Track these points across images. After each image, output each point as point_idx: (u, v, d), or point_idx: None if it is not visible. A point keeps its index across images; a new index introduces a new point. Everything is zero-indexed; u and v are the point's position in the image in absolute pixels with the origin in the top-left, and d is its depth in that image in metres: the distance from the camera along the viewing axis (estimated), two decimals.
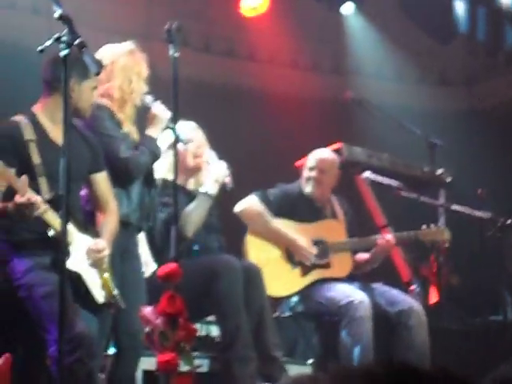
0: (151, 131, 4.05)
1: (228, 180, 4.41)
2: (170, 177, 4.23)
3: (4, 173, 3.37)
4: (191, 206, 4.42)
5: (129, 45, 4.10)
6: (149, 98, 4.02)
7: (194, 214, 4.40)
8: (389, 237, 5.08)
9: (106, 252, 3.66)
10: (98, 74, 3.19)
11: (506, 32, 8.24)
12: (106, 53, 4.02)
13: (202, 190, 4.44)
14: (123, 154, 3.90)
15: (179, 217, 4.12)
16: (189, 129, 4.46)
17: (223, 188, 4.43)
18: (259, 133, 7.01)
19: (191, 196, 4.50)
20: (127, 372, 3.93)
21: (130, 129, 4.04)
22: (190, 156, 4.52)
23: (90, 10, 6.66)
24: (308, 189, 5.06)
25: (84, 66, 3.13)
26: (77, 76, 3.62)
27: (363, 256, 5.11)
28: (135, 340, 3.87)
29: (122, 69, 4.01)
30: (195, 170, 4.55)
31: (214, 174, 4.42)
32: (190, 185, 4.60)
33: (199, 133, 4.57)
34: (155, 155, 4.03)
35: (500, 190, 6.50)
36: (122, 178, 3.90)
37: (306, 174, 5.12)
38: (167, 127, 4.05)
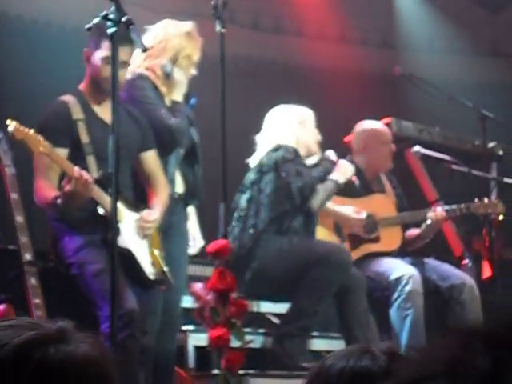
0: (177, 96, 4.05)
1: (354, 178, 4.85)
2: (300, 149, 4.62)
3: (51, 154, 3.40)
4: (323, 186, 4.62)
5: (187, 26, 4.09)
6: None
7: (322, 193, 4.60)
8: (439, 210, 5.01)
9: (156, 223, 3.69)
10: (144, 50, 3.20)
11: None
12: (163, 29, 4.04)
13: (332, 177, 4.64)
14: (168, 120, 3.91)
15: (312, 188, 4.51)
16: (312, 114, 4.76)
17: (348, 183, 4.76)
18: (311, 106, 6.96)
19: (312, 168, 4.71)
20: (165, 347, 3.95)
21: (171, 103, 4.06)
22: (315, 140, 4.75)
23: None
24: (358, 163, 5.02)
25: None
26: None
27: (414, 231, 5.05)
28: (172, 316, 3.90)
29: (172, 49, 4.02)
30: (312, 154, 4.76)
31: (344, 168, 4.69)
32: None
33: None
34: (190, 120, 4.05)
35: None
36: (167, 145, 3.91)
37: (355, 147, 5.07)
38: None
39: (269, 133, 4.68)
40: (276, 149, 4.57)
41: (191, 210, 4.26)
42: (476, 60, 8.38)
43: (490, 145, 5.88)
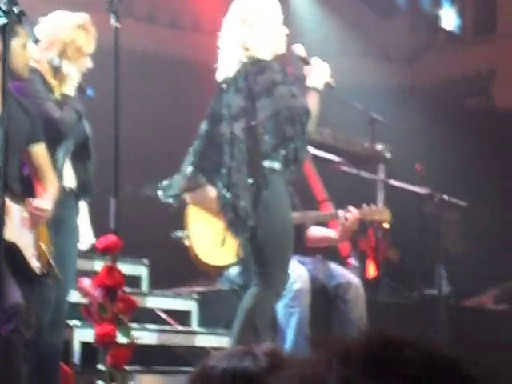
0: (67, 90, 4.02)
1: (331, 80, 4.26)
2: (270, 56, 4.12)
3: None
4: (309, 103, 4.13)
5: (79, 18, 4.05)
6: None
7: (315, 110, 4.15)
8: (354, 211, 4.93)
9: (47, 214, 3.64)
10: (36, 42, 3.15)
11: (445, 11, 8.33)
12: (53, 21, 3.98)
13: (310, 85, 4.18)
14: (54, 114, 3.88)
15: (308, 111, 4.03)
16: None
17: (327, 88, 4.25)
18: (201, 103, 6.98)
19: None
20: (51, 342, 3.90)
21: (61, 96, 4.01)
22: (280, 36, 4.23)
23: None
24: None
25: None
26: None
27: (321, 231, 5.09)
28: (59, 311, 3.87)
29: (60, 41, 3.97)
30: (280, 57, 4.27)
31: (319, 72, 4.22)
32: None
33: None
34: (79, 113, 4.02)
35: (437, 166, 6.60)
36: (53, 138, 3.87)
37: None
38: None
39: (237, 37, 4.12)
40: (260, 69, 4.06)
41: (82, 205, 4.22)
42: (366, 62, 8.57)
43: (379, 147, 6.03)
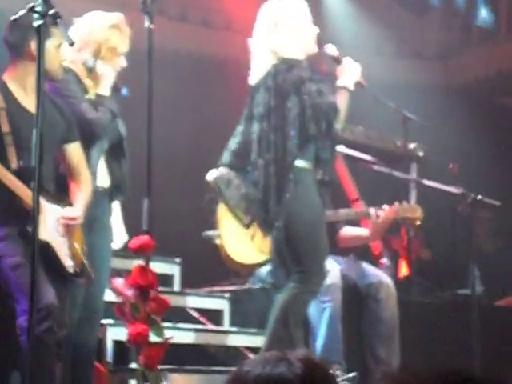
0: (102, 90, 4.04)
1: (362, 79, 4.28)
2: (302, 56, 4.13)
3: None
4: (338, 101, 4.15)
5: (113, 18, 4.07)
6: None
7: (343, 109, 4.17)
8: (388, 209, 4.90)
9: (79, 221, 3.66)
10: (71, 45, 3.18)
11: (479, 7, 8.26)
12: (87, 22, 4.01)
13: (340, 84, 4.19)
14: (88, 114, 3.90)
15: (337, 109, 4.04)
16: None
17: (358, 87, 4.27)
18: (233, 101, 7.00)
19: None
20: (85, 341, 3.93)
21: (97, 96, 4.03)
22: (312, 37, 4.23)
23: None
24: None
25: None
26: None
27: (355, 230, 5.09)
28: (94, 310, 3.89)
29: (95, 42, 4.00)
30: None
31: (351, 71, 4.22)
32: None
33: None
34: (114, 114, 4.03)
35: (471, 166, 6.56)
36: (87, 139, 3.90)
37: None
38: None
39: (266, 42, 4.15)
40: (289, 68, 4.08)
41: (116, 205, 4.24)
42: (399, 61, 8.52)
43: (411, 146, 6.00)
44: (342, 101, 4.14)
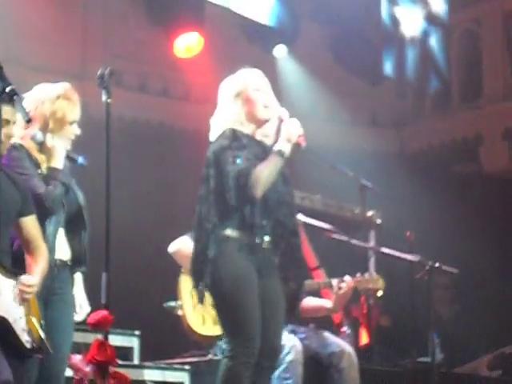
0: (55, 163, 4.02)
1: (301, 139, 3.99)
2: (238, 127, 4.01)
3: None
4: (262, 165, 3.94)
5: (58, 89, 4.07)
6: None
7: (266, 173, 3.92)
8: (349, 279, 4.95)
9: (35, 288, 3.61)
10: (28, 121, 3.18)
11: (431, 77, 8.45)
12: (32, 96, 4.00)
13: (274, 148, 3.98)
14: (38, 190, 3.89)
15: (248, 173, 3.87)
16: (256, 76, 4.13)
17: (296, 148, 4.00)
18: (193, 171, 7.04)
19: (262, 146, 4.07)
20: None
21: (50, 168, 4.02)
22: (260, 105, 4.07)
23: (23, 48, 6.61)
24: None
25: None
26: None
27: (316, 301, 5.08)
28: None
29: (41, 115, 3.99)
30: (263, 122, 4.09)
31: (286, 131, 3.99)
32: (258, 136, 4.13)
33: (266, 82, 4.17)
34: (66, 186, 4.02)
35: (427, 233, 6.62)
36: (40, 213, 3.87)
37: None
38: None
39: (213, 118, 4.13)
40: (216, 137, 4.04)
41: (78, 277, 4.19)
42: (354, 129, 8.66)
43: (369, 213, 6.06)
44: (268, 165, 3.91)
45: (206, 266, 3.93)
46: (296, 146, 3.98)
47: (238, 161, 3.91)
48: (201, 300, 3.98)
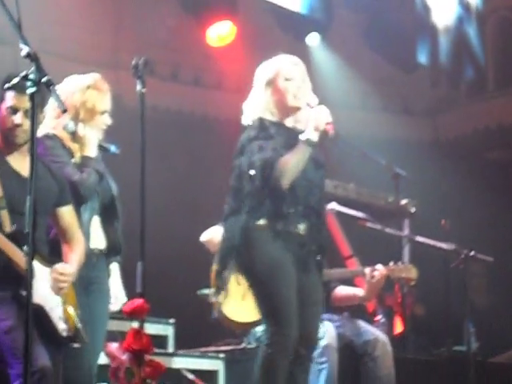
0: (87, 152, 4.05)
1: (329, 127, 3.92)
2: (267, 115, 4.01)
3: None
4: (289, 154, 3.90)
5: (87, 79, 4.11)
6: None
7: (293, 163, 3.89)
8: (381, 268, 4.94)
9: (72, 278, 3.65)
10: (64, 111, 3.21)
11: (466, 64, 8.38)
12: (64, 87, 4.04)
13: (301, 137, 3.93)
14: (72, 177, 3.92)
15: (273, 163, 3.85)
16: (290, 64, 4.10)
17: (324, 136, 3.94)
18: (225, 160, 7.04)
19: (293, 132, 4.02)
20: None
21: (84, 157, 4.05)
22: (290, 95, 4.05)
23: (57, 38, 6.65)
24: None
25: None
26: None
27: (350, 290, 5.08)
28: (85, 374, 3.86)
29: (72, 106, 4.02)
30: (293, 111, 4.06)
31: (314, 119, 3.93)
32: (289, 123, 4.10)
33: (301, 70, 4.14)
34: (100, 174, 4.05)
35: (463, 221, 6.58)
36: (75, 201, 3.91)
37: None
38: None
39: (245, 103, 4.13)
40: (243, 128, 4.05)
41: (114, 267, 4.23)
42: (387, 117, 8.61)
43: (403, 202, 6.03)
44: (295, 155, 3.89)
45: (237, 256, 3.96)
46: (324, 134, 3.92)
47: (262, 151, 3.89)
48: (222, 287, 4.01)
